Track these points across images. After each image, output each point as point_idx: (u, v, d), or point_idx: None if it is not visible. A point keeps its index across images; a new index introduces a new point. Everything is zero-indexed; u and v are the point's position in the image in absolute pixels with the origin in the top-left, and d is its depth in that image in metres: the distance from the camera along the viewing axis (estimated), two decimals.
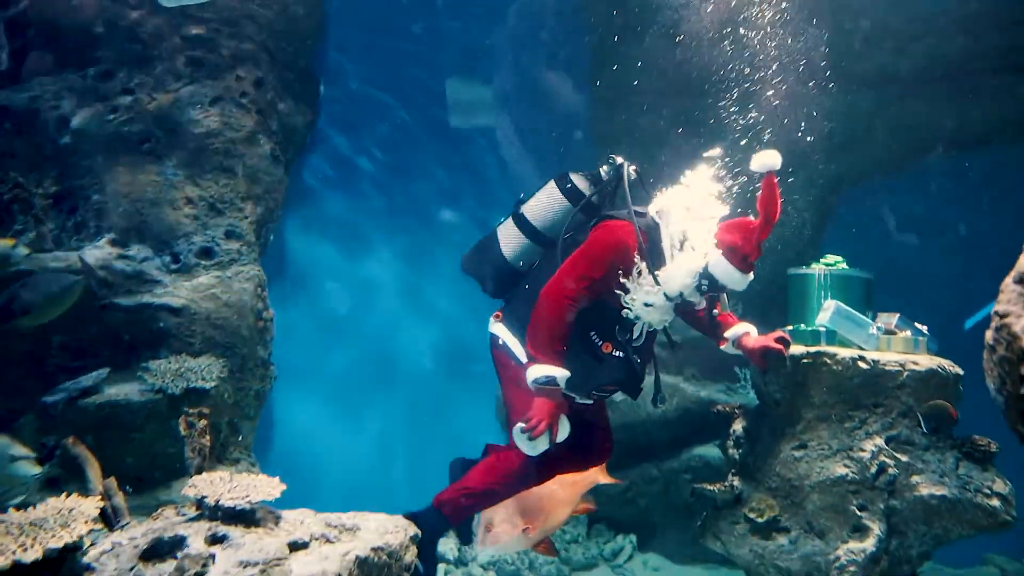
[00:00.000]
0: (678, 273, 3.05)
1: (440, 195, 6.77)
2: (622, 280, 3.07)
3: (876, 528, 3.63)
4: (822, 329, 4.11)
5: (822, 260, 4.54)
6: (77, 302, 4.06)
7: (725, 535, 3.99)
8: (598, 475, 3.99)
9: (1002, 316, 1.17)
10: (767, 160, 2.82)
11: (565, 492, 3.63)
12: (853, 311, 4.11)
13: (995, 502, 3.59)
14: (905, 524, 3.70)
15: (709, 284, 3.03)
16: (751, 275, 3.04)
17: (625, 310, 3.11)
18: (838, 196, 6.38)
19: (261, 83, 5.02)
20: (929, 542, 3.74)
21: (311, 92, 5.76)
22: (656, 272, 3.04)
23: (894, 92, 5.91)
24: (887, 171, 6.37)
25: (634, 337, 3.19)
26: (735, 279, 3.00)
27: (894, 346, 4.01)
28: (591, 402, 3.33)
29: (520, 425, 2.96)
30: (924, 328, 4.12)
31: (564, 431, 3.04)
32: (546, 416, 2.96)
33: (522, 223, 3.37)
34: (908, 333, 4.06)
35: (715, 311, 3.38)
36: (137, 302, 4.27)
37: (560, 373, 2.99)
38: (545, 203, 3.35)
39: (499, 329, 3.40)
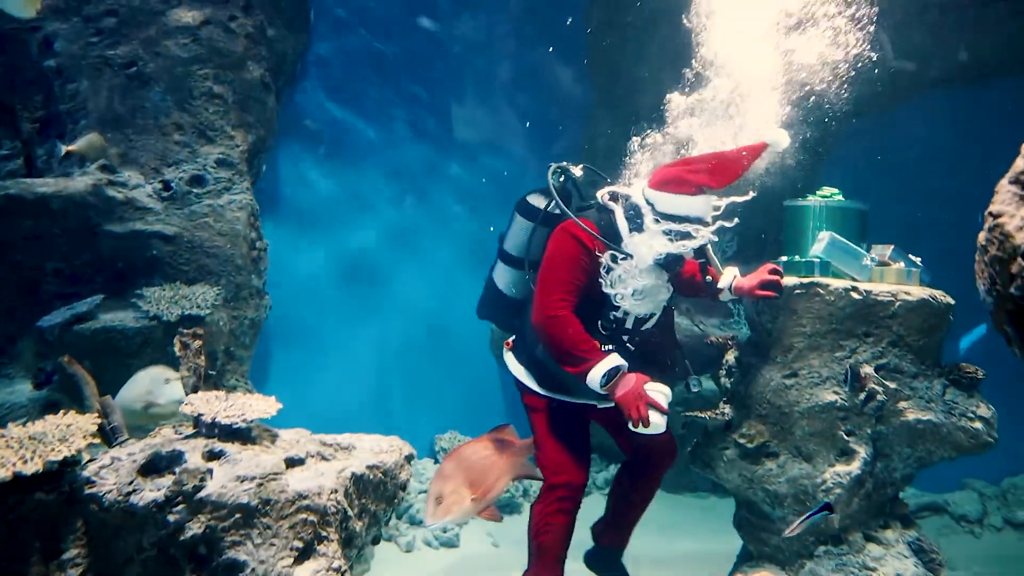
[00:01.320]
0: (639, 236, 3.06)
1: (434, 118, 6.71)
2: (600, 281, 3.09)
3: (862, 452, 3.71)
4: (816, 260, 4.11)
5: (818, 192, 4.51)
6: (69, 228, 4.06)
7: (715, 461, 4.07)
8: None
9: (996, 216, 1.17)
10: (777, 137, 3.01)
11: (506, 460, 3.72)
12: (848, 242, 4.11)
13: (978, 425, 3.67)
14: (890, 447, 3.79)
15: (673, 226, 3.01)
16: (709, 199, 3.03)
17: (616, 309, 3.12)
18: (837, 129, 6.30)
19: (250, 8, 4.88)
20: (913, 464, 3.83)
21: (302, 18, 5.61)
22: (622, 250, 3.06)
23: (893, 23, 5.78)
24: (886, 105, 6.28)
25: (626, 328, 3.20)
26: (690, 205, 2.99)
27: (887, 277, 4.02)
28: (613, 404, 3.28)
29: (635, 429, 2.98)
30: (918, 260, 4.13)
31: (662, 396, 2.98)
32: (634, 403, 2.94)
33: (505, 256, 3.46)
34: (901, 265, 4.07)
35: (708, 277, 3.32)
36: (129, 229, 4.24)
37: (607, 362, 3.00)
38: (515, 230, 3.42)
39: (509, 358, 3.53)
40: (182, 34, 4.52)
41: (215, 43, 4.62)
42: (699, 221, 3.03)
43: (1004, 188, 1.19)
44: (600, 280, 3.10)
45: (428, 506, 3.36)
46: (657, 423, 2.94)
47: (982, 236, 1.21)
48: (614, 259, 3.08)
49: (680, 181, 3.01)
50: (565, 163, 3.39)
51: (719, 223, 3.10)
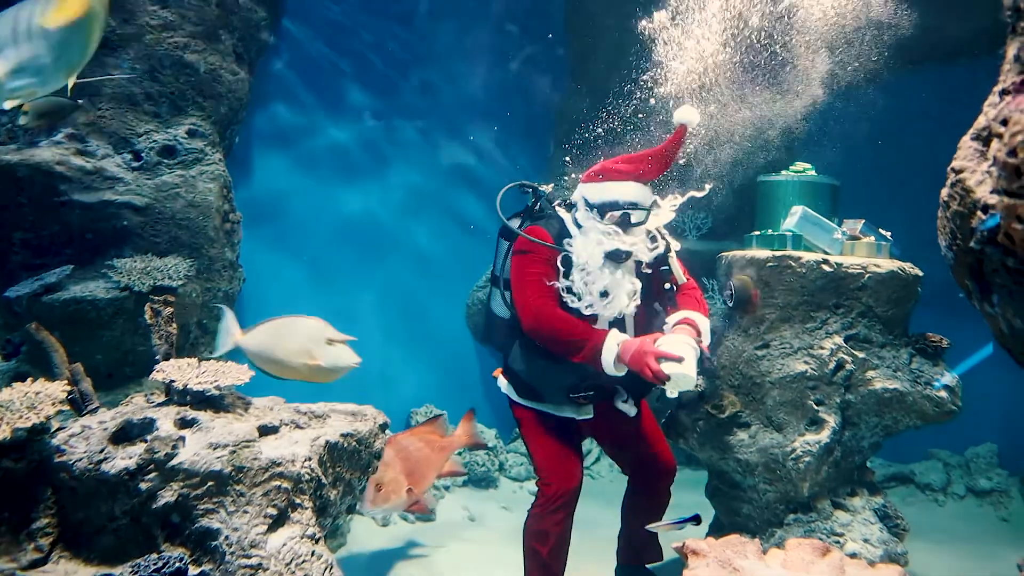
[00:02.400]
0: (581, 236, 3.10)
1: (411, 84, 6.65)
2: (561, 288, 3.08)
3: (831, 421, 3.79)
4: (788, 234, 4.16)
5: (791, 167, 4.56)
6: (36, 197, 3.97)
7: (688, 432, 4.13)
8: (464, 439, 4.13)
9: (957, 172, 1.19)
10: (688, 116, 3.05)
11: (436, 456, 3.79)
12: (819, 216, 4.16)
13: (942, 393, 3.76)
14: (858, 416, 3.86)
15: (617, 215, 3.03)
16: (640, 185, 3.07)
17: (593, 320, 3.10)
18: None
19: None
20: (880, 433, 3.91)
21: None
22: (571, 252, 3.08)
23: None
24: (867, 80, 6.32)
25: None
26: (618, 190, 3.04)
27: (858, 251, 4.08)
28: (590, 416, 3.30)
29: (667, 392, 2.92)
30: (888, 234, 4.19)
31: (678, 345, 2.84)
32: (642, 362, 2.82)
33: (493, 278, 3.49)
34: (872, 238, 4.13)
35: (668, 284, 3.23)
36: (99, 199, 4.16)
37: (608, 343, 2.93)
38: (501, 254, 3.44)
39: (500, 378, 3.54)
40: (151, 2, 4.42)
41: (185, 11, 4.53)
42: (632, 206, 3.04)
43: (966, 144, 1.21)
44: (563, 293, 3.09)
45: (368, 491, 3.40)
46: (679, 372, 2.76)
47: (944, 192, 1.23)
48: (567, 263, 3.09)
49: (606, 170, 3.10)
50: (514, 184, 3.46)
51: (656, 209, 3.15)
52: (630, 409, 3.30)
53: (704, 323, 3.08)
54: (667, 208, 3.20)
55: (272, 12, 5.45)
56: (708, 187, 3.29)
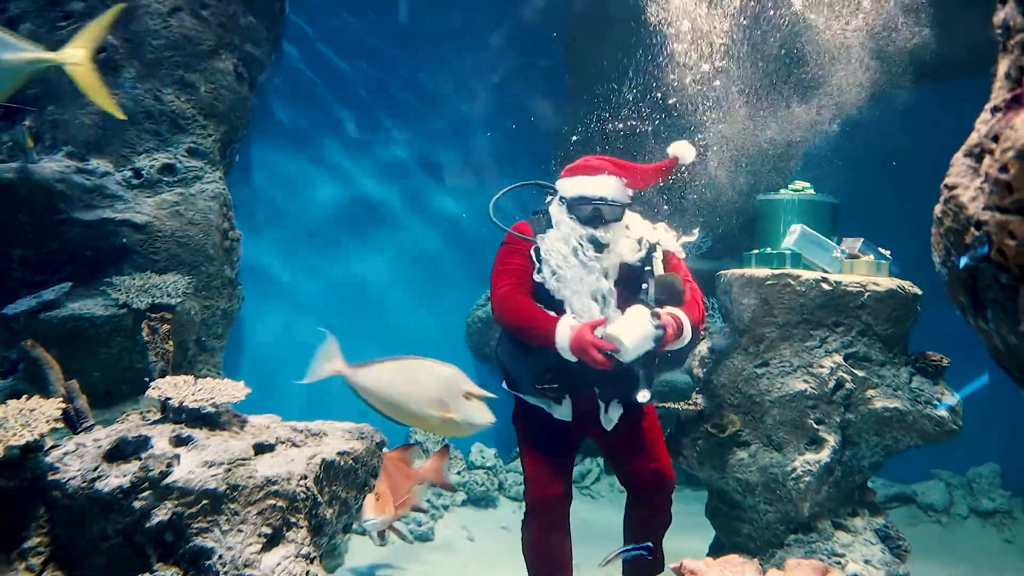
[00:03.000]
0: (552, 230, 3.07)
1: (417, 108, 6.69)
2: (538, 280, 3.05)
3: (831, 440, 3.76)
4: (788, 252, 4.16)
5: (790, 186, 4.57)
6: (36, 215, 3.98)
7: (688, 451, 4.10)
8: (430, 474, 4.02)
9: (951, 188, 1.19)
10: (683, 151, 3.06)
11: (402, 485, 3.74)
12: (818, 235, 4.17)
13: (943, 413, 3.74)
14: (859, 435, 3.84)
15: (586, 209, 3.00)
16: (614, 180, 3.01)
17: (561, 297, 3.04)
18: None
19: None
20: (880, 452, 3.89)
21: (275, 8, 5.56)
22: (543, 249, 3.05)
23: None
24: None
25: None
26: (590, 184, 3.01)
27: (857, 269, 4.08)
28: (567, 417, 3.15)
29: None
30: (887, 252, 4.20)
31: (619, 330, 2.78)
32: (582, 351, 2.81)
33: None
34: (871, 257, 4.14)
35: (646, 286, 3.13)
36: (98, 217, 4.17)
37: (561, 323, 2.89)
38: None
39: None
40: (153, 20, 4.45)
41: (187, 31, 4.57)
42: (601, 201, 2.99)
43: (959, 161, 1.21)
44: (544, 285, 3.05)
45: (369, 500, 3.30)
46: (622, 354, 2.75)
47: (938, 208, 1.23)
48: (538, 254, 3.07)
49: (582, 166, 3.09)
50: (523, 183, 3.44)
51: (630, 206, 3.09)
52: (608, 422, 3.16)
53: (684, 318, 2.95)
54: (661, 228, 3.17)
55: (273, 32, 5.50)
56: (696, 232, 3.24)
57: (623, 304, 2.97)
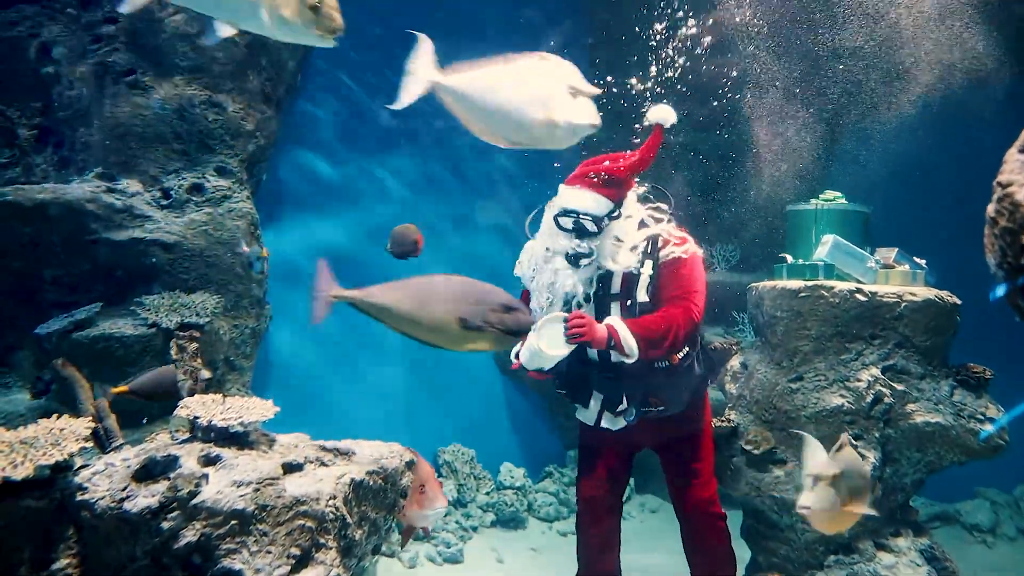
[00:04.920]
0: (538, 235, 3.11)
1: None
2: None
3: (871, 457, 3.65)
4: (820, 263, 4.08)
5: (821, 196, 4.49)
6: (67, 235, 4.04)
7: (721, 469, 4.01)
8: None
9: (1005, 186, 1.13)
10: (664, 114, 2.95)
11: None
12: (851, 245, 4.08)
13: (988, 427, 3.61)
14: (899, 452, 3.72)
15: (567, 222, 2.96)
16: (589, 192, 2.95)
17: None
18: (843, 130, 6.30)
19: None
20: (923, 469, 3.76)
21: None
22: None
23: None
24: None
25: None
26: (565, 195, 2.98)
27: (892, 279, 3.98)
28: (590, 422, 3.14)
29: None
30: (923, 262, 4.09)
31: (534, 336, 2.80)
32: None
33: None
34: (906, 267, 4.04)
35: (629, 302, 3.07)
36: (128, 237, 4.22)
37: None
38: None
39: None
40: (181, 42, 4.52)
41: (214, 51, 4.63)
42: (571, 213, 2.94)
43: (1013, 157, 1.15)
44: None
45: (411, 497, 3.06)
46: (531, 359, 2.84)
47: (991, 208, 1.17)
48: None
49: (575, 174, 3.03)
50: None
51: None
52: (614, 422, 3.10)
53: (622, 328, 2.87)
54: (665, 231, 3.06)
55: (300, 51, 5.55)
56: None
57: (625, 313, 2.96)
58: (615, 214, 2.98)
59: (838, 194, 4.47)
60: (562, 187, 3.03)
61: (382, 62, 6.50)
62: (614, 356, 2.90)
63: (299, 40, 2.10)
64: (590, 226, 2.94)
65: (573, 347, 2.82)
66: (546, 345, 2.78)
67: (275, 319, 5.13)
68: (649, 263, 2.99)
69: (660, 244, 3.01)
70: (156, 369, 3.00)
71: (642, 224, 3.06)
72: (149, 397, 2.91)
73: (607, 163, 2.99)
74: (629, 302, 2.98)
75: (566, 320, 2.81)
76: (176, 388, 2.88)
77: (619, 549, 3.30)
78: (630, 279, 2.99)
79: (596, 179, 2.96)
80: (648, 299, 2.97)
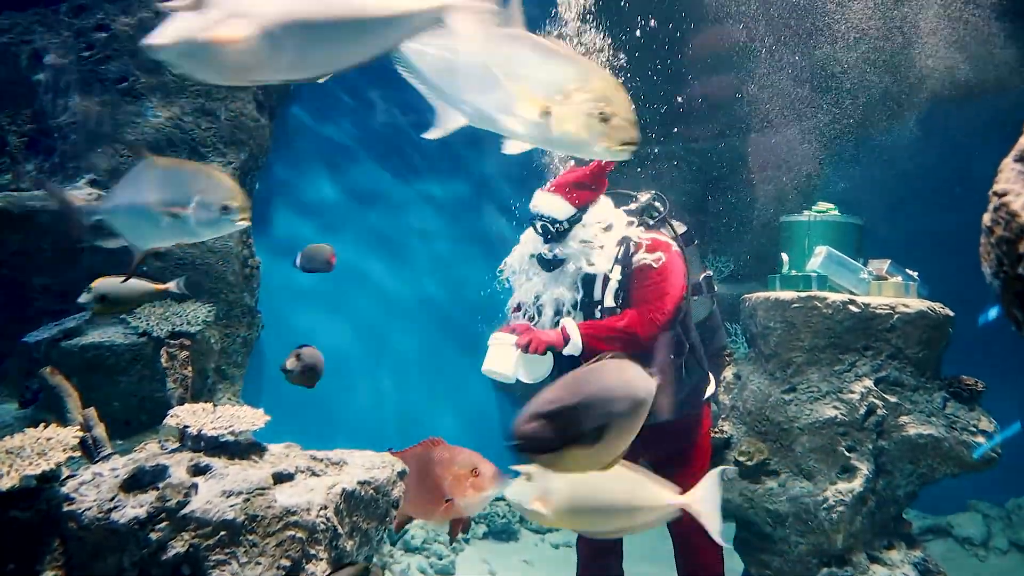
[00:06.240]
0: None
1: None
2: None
3: (864, 468, 3.65)
4: (814, 275, 4.08)
5: (814, 207, 4.51)
6: (57, 243, 4.00)
7: None
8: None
9: (1001, 195, 1.13)
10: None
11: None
12: (844, 256, 4.09)
13: (980, 439, 3.61)
14: (892, 464, 3.72)
15: (537, 224, 3.00)
16: (553, 195, 2.99)
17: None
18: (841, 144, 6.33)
19: None
20: (916, 481, 3.76)
21: None
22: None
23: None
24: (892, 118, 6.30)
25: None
26: (537, 199, 3.00)
27: (885, 291, 3.99)
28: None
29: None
30: (915, 273, 4.11)
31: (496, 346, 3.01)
32: None
33: None
34: (899, 278, 4.05)
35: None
36: (119, 245, 4.15)
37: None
38: None
39: None
40: None
41: None
42: (538, 217, 2.97)
43: (1008, 167, 1.15)
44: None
45: (483, 473, 2.78)
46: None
47: (987, 217, 1.17)
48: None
49: (556, 183, 3.05)
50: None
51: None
52: None
53: (572, 328, 2.89)
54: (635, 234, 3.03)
55: None
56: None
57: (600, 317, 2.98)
58: (576, 218, 2.98)
59: (831, 205, 4.49)
60: (536, 192, 3.07)
61: (380, 69, 6.52)
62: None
63: (582, 155, 2.02)
64: (554, 229, 2.97)
65: (519, 368, 2.94)
66: (498, 365, 2.94)
67: (267, 328, 5.10)
68: (618, 268, 2.97)
69: (632, 249, 2.99)
70: None
71: (609, 228, 3.04)
72: None
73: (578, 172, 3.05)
74: (599, 308, 2.98)
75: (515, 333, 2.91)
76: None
77: (621, 555, 3.29)
78: (606, 284, 3.00)
79: (563, 185, 3.00)
80: (615, 304, 2.95)
